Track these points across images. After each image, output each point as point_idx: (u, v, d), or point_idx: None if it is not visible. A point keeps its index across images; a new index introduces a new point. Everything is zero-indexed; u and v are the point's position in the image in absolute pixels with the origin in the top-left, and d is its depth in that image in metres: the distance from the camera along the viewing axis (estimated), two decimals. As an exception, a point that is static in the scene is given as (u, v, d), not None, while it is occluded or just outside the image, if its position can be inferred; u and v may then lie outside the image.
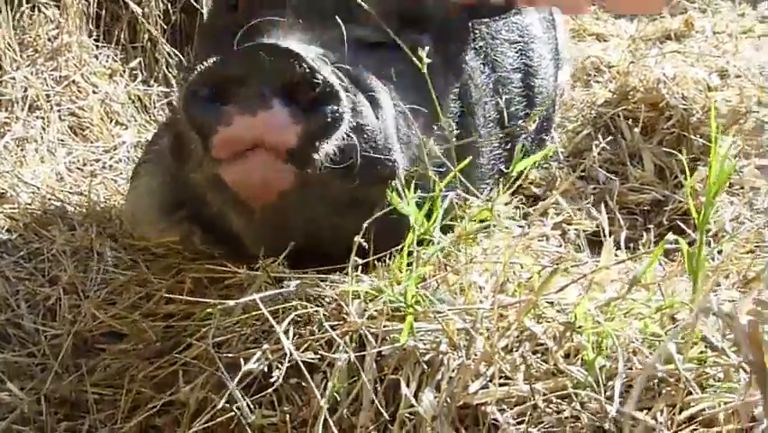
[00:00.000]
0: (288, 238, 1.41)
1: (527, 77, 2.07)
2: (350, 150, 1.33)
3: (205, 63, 1.33)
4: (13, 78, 2.41)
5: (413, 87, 1.54)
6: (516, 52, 2.05)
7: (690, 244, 1.37)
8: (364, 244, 1.29)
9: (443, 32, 1.66)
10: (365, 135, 1.36)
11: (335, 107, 1.30)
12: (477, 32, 1.89)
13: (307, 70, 1.29)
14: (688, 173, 1.73)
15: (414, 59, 1.46)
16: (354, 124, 1.34)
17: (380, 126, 1.41)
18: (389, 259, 1.41)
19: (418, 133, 1.51)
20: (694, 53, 2.85)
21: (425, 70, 1.44)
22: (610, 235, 1.51)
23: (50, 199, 2.07)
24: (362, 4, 1.51)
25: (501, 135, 1.83)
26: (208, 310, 1.43)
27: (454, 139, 1.58)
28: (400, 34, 1.54)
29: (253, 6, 1.61)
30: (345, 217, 1.34)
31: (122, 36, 3.02)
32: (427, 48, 1.47)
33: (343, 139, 1.32)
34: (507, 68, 1.99)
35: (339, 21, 1.48)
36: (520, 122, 2.01)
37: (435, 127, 1.58)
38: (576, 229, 1.75)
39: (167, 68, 3.14)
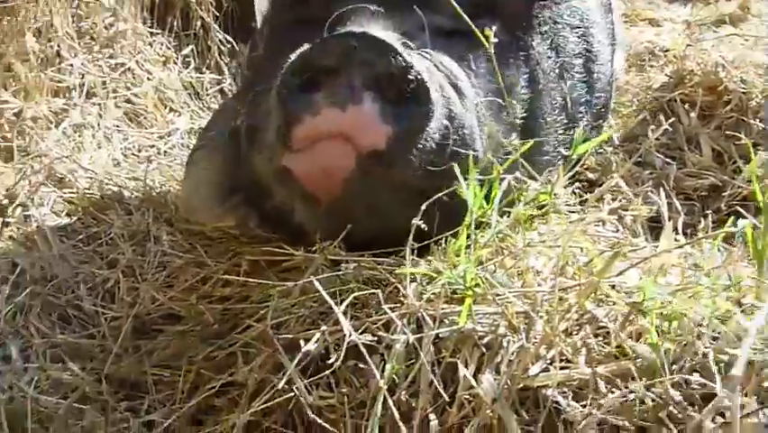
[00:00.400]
0: (355, 228, 1.39)
1: (588, 62, 2.05)
2: (438, 146, 1.32)
3: (297, 51, 1.32)
4: (71, 66, 2.44)
5: (486, 73, 1.53)
6: (578, 37, 2.02)
7: (752, 229, 1.35)
8: (423, 226, 1.28)
9: (512, 18, 1.65)
10: (453, 128, 1.35)
11: (427, 107, 1.29)
12: (541, 16, 1.86)
13: (402, 65, 1.28)
14: (750, 158, 1.70)
15: (487, 45, 1.44)
16: (443, 117, 1.33)
17: (466, 117, 1.39)
18: (445, 242, 1.39)
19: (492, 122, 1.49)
20: (752, 36, 2.80)
21: (494, 59, 1.44)
22: (669, 221, 1.50)
23: (107, 185, 2.09)
24: None
25: (566, 121, 1.79)
26: (266, 292, 1.44)
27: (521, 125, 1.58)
28: (473, 22, 1.52)
29: None
30: (417, 207, 1.31)
31: (175, 24, 3.05)
32: (498, 35, 1.46)
33: (431, 137, 1.31)
34: (570, 53, 1.96)
35: (423, 9, 1.47)
36: (582, 108, 1.97)
37: (505, 114, 1.57)
38: (633, 214, 1.72)
39: (219, 55, 3.16)
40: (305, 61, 1.31)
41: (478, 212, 1.34)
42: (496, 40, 1.45)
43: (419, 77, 1.29)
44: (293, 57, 1.32)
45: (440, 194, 1.31)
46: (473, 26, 1.47)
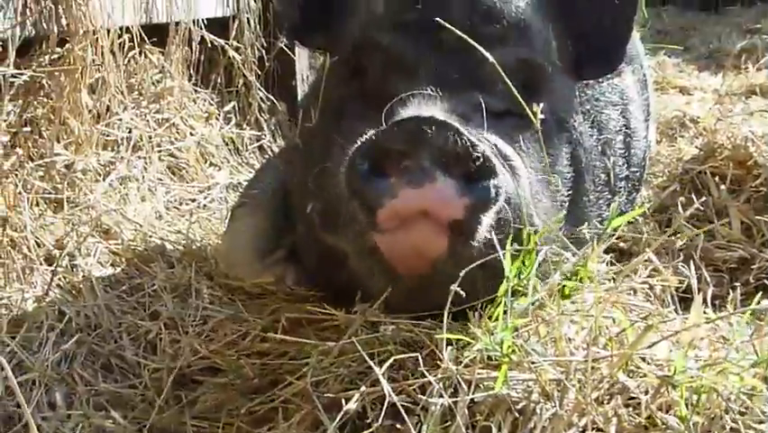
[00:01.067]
0: (425, 300, 1.43)
1: (627, 138, 2.08)
2: (503, 221, 1.37)
3: (365, 136, 1.36)
4: (120, 120, 2.50)
5: (534, 153, 1.59)
6: (619, 114, 2.06)
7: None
8: (462, 293, 1.30)
9: (557, 98, 1.69)
10: (514, 206, 1.40)
11: (496, 181, 1.34)
12: (584, 95, 1.91)
13: (468, 145, 1.32)
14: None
15: (536, 127, 1.51)
16: (507, 196, 1.37)
17: (523, 196, 1.44)
18: (482, 308, 1.42)
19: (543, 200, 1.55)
20: (783, 112, 2.83)
21: (541, 139, 1.52)
22: (699, 292, 1.52)
23: (150, 237, 2.14)
24: (494, 72, 1.53)
25: (609, 196, 1.83)
26: (306, 350, 1.48)
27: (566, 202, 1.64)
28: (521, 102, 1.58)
29: (385, 75, 1.64)
30: (478, 280, 1.35)
31: (218, 81, 3.13)
32: (545, 115, 1.52)
33: (500, 211, 1.36)
34: (612, 129, 2.00)
35: (470, 90, 1.54)
36: (622, 183, 2.01)
37: (552, 192, 1.62)
38: (663, 285, 1.74)
39: (259, 112, 3.24)
40: (375, 146, 1.35)
41: (514, 280, 1.38)
42: (543, 116, 1.50)
43: (485, 155, 1.33)
44: (362, 141, 1.37)
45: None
46: (526, 107, 1.52)
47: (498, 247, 1.35)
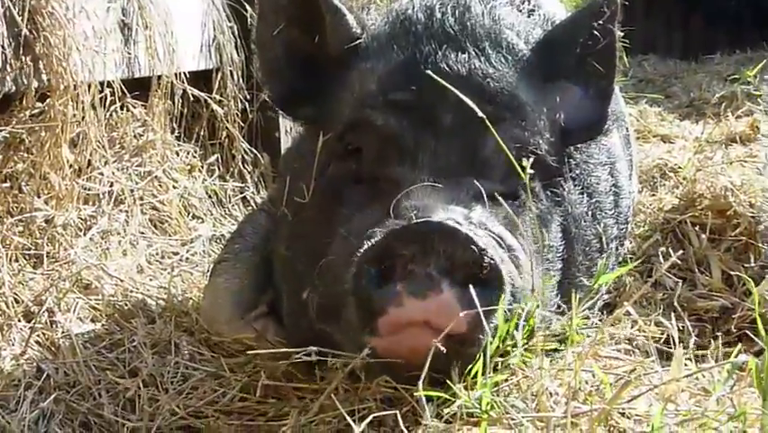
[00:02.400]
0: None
1: (615, 196, 2.10)
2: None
3: (372, 238, 1.37)
4: (101, 174, 2.49)
5: (531, 233, 1.62)
6: (608, 174, 2.07)
7: (759, 352, 1.37)
8: (443, 349, 1.30)
9: (549, 172, 1.71)
10: (515, 302, 1.41)
11: (502, 291, 1.35)
12: (572, 159, 1.92)
13: (477, 253, 1.33)
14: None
15: (533, 209, 1.59)
16: (510, 295, 1.39)
17: (524, 288, 1.45)
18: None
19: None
20: (760, 162, 2.85)
21: (536, 222, 1.58)
22: (680, 343, 1.52)
23: (131, 291, 2.13)
24: (490, 155, 1.60)
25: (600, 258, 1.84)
26: (284, 409, 1.47)
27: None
28: (519, 183, 1.60)
29: (381, 157, 1.65)
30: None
31: (201, 134, 3.13)
32: (539, 193, 1.61)
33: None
34: (602, 192, 2.01)
35: (469, 174, 1.57)
36: (613, 243, 2.04)
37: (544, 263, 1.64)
38: (645, 336, 1.74)
39: (242, 164, 3.24)
40: (383, 252, 1.36)
41: (498, 342, 1.38)
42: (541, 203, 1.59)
43: (492, 262, 1.34)
44: (369, 244, 1.37)
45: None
46: (528, 192, 1.56)
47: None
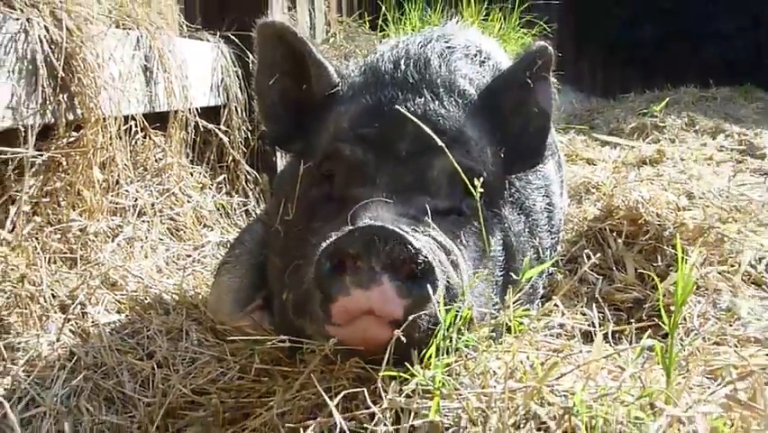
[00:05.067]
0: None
1: (549, 213, 2.08)
2: (436, 319, 1.34)
3: (328, 239, 1.35)
4: (127, 191, 2.46)
5: (473, 244, 1.59)
6: (543, 196, 2.06)
7: (665, 336, 1.36)
8: (403, 339, 1.29)
9: (490, 195, 1.67)
10: (451, 296, 1.37)
11: (433, 284, 1.32)
12: (512, 186, 1.90)
13: (413, 251, 1.31)
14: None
15: (477, 225, 1.57)
16: (444, 288, 1.36)
17: (460, 288, 1.42)
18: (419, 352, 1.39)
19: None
20: (666, 180, 2.86)
21: (485, 233, 1.55)
22: (600, 327, 1.51)
23: (150, 288, 2.10)
24: (437, 177, 1.61)
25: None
26: (273, 387, 1.44)
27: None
28: (462, 201, 1.62)
29: (348, 180, 1.64)
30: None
31: (211, 158, 3.11)
32: (484, 212, 1.57)
33: (434, 307, 1.33)
34: (537, 210, 1.99)
35: (419, 193, 1.57)
36: (548, 252, 2.02)
37: (487, 271, 1.61)
38: (572, 324, 1.73)
39: (245, 183, 3.22)
40: (335, 249, 1.33)
41: (444, 330, 1.35)
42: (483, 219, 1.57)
43: (426, 259, 1.32)
44: (325, 244, 1.35)
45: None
46: (480, 208, 1.55)
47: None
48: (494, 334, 1.52)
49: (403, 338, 1.29)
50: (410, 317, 1.29)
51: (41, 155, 2.04)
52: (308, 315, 1.42)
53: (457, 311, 1.37)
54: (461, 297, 1.40)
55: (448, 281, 1.38)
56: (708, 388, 1.34)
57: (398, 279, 1.31)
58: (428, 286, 1.31)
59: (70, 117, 2.10)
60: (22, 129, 1.95)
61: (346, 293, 1.31)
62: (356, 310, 1.31)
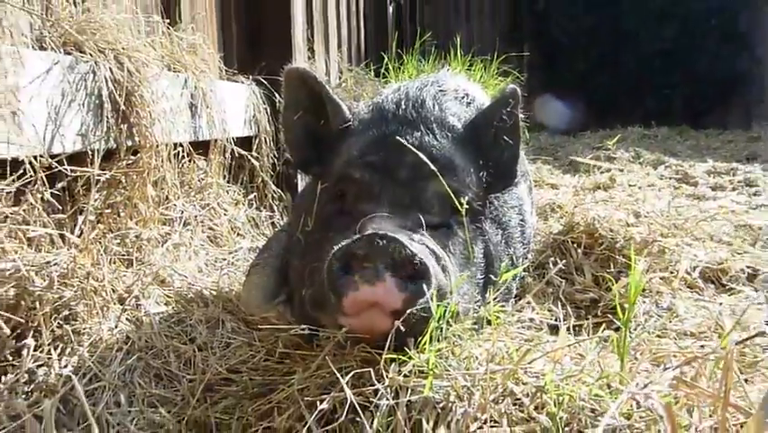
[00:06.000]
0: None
1: (522, 228, 2.07)
2: (429, 310, 1.33)
3: (340, 244, 1.35)
4: (175, 205, 2.45)
5: (459, 253, 1.58)
6: (517, 213, 2.04)
7: (617, 329, 1.35)
8: (402, 329, 1.29)
9: (475, 211, 1.67)
10: (440, 295, 1.36)
11: (427, 282, 1.31)
12: (491, 205, 1.90)
13: (410, 254, 1.31)
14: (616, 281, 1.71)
15: (463, 236, 1.58)
16: (436, 286, 1.35)
17: (449, 288, 1.41)
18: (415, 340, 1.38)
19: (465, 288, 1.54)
20: (617, 201, 2.86)
21: (469, 243, 1.56)
22: (564, 321, 1.51)
23: (192, 285, 2.08)
24: (431, 198, 1.61)
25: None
26: (293, 368, 1.43)
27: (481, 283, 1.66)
28: (451, 217, 1.62)
29: (357, 198, 1.64)
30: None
31: (244, 179, 3.11)
32: (468, 226, 1.59)
33: (428, 300, 1.32)
34: (512, 225, 1.98)
35: (415, 210, 1.55)
36: (520, 259, 2.01)
37: (470, 273, 1.61)
38: (540, 319, 1.72)
39: (272, 200, 3.21)
40: (345, 252, 1.33)
41: (436, 321, 1.34)
42: (467, 232, 1.58)
43: (421, 261, 1.32)
44: (337, 247, 1.34)
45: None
46: (464, 221, 1.58)
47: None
48: (476, 326, 1.51)
49: (402, 328, 1.29)
50: (408, 310, 1.29)
51: (105, 174, 2.04)
52: (323, 308, 1.40)
53: (446, 307, 1.36)
54: (449, 295, 1.40)
55: (439, 281, 1.38)
56: (653, 373, 1.33)
57: (398, 276, 1.30)
58: (423, 283, 1.31)
59: (129, 143, 2.10)
60: (90, 152, 1.95)
61: (355, 288, 1.30)
62: (364, 303, 1.30)
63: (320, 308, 1.43)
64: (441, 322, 1.35)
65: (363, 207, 1.57)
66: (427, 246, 1.45)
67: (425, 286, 1.31)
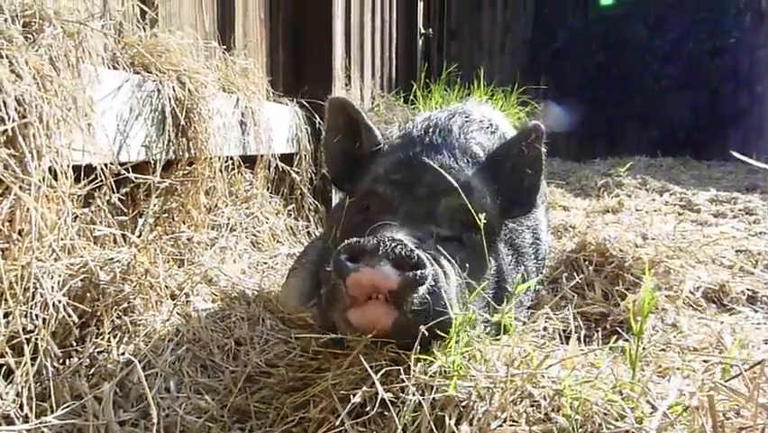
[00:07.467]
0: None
1: (536, 246, 2.05)
2: (427, 304, 1.32)
3: (347, 241, 1.35)
4: (223, 212, 2.48)
5: (470, 266, 1.54)
6: (531, 233, 2.02)
7: (625, 341, 1.33)
8: (425, 333, 1.28)
9: (488, 231, 1.63)
10: (437, 295, 1.35)
11: (423, 272, 1.30)
12: (505, 228, 1.88)
13: (409, 251, 1.31)
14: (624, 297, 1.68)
15: (472, 250, 1.55)
16: (432, 287, 1.33)
17: (447, 290, 1.39)
18: (440, 342, 1.37)
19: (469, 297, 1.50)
20: (625, 224, 2.83)
21: (486, 255, 1.54)
22: (575, 332, 1.49)
23: (236, 285, 2.10)
24: (444, 212, 1.59)
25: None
26: (326, 365, 1.43)
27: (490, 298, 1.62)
28: (462, 234, 1.60)
29: (378, 211, 1.65)
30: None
31: (285, 191, 3.13)
32: (479, 242, 1.55)
33: (425, 294, 1.31)
34: (526, 245, 1.96)
35: (428, 223, 1.55)
36: (533, 274, 1.97)
37: (482, 284, 1.57)
38: (554, 328, 1.70)
39: (308, 210, 3.23)
40: (351, 246, 1.34)
41: (459, 328, 1.33)
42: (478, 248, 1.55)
43: (419, 256, 1.31)
44: (345, 244, 1.35)
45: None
46: (484, 239, 1.55)
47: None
48: (492, 332, 1.49)
49: (401, 326, 1.27)
50: (406, 297, 1.27)
51: (164, 182, 2.07)
52: (334, 303, 1.39)
53: (464, 314, 1.35)
54: (448, 296, 1.37)
55: (436, 277, 1.36)
56: (658, 384, 1.30)
57: (396, 266, 1.29)
58: (419, 272, 1.29)
59: (187, 155, 2.14)
60: (152, 162, 1.99)
61: (356, 270, 1.29)
62: (366, 282, 1.28)
63: (331, 305, 1.41)
64: (461, 328, 1.33)
65: (382, 218, 1.59)
66: (430, 253, 1.43)
67: (420, 272, 1.29)
